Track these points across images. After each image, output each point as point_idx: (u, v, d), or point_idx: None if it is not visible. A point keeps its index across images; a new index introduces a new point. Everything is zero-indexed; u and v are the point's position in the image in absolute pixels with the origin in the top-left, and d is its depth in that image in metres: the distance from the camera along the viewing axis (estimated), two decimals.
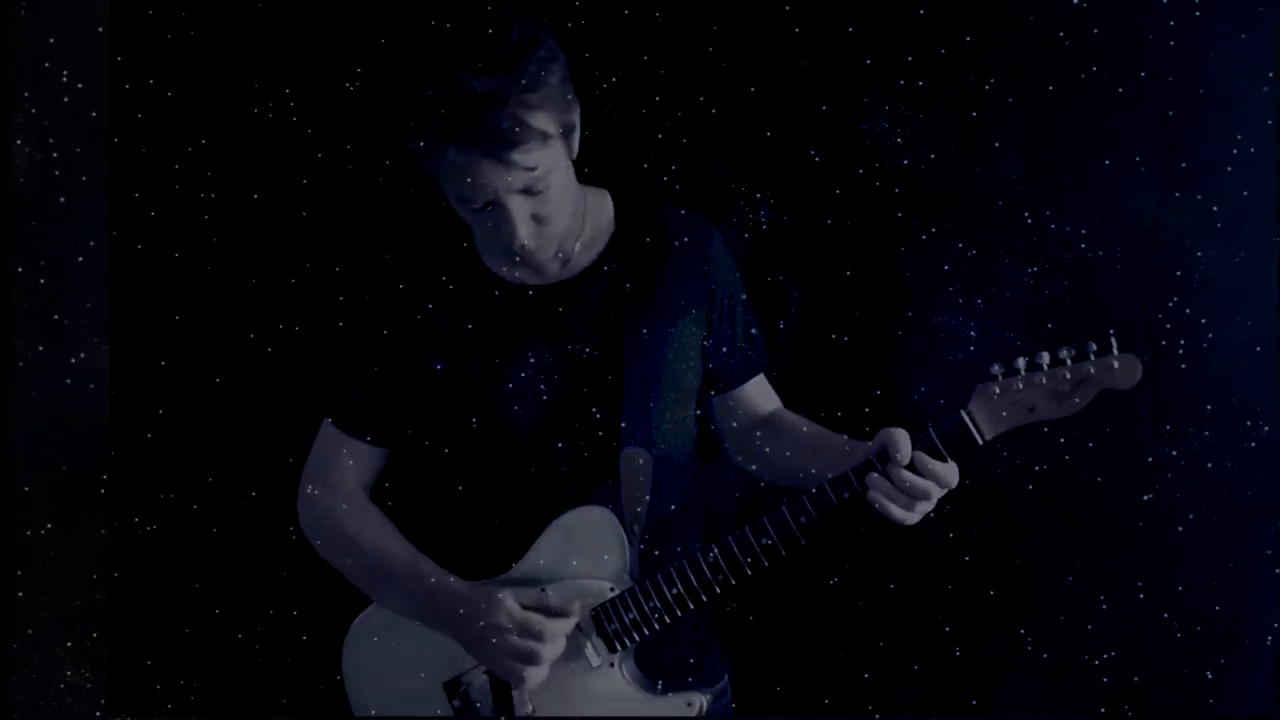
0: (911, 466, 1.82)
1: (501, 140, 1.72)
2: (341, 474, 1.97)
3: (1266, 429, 2.25)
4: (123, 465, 2.21)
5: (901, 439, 1.82)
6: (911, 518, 1.85)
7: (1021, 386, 1.81)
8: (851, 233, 2.30)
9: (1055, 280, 2.26)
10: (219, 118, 2.25)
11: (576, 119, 1.83)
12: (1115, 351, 1.78)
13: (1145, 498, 2.28)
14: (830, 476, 1.85)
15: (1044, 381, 1.80)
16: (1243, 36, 2.23)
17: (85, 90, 2.06)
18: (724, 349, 2.00)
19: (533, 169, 1.76)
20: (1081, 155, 2.26)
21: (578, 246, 1.94)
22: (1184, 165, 2.26)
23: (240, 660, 2.32)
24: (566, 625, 1.88)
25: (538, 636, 1.86)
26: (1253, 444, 2.25)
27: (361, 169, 2.26)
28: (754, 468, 2.07)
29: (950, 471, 1.84)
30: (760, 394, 2.08)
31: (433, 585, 1.91)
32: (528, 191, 1.78)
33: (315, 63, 2.24)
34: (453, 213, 1.88)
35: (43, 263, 2.06)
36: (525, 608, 1.88)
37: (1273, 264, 2.24)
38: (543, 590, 1.90)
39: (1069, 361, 1.79)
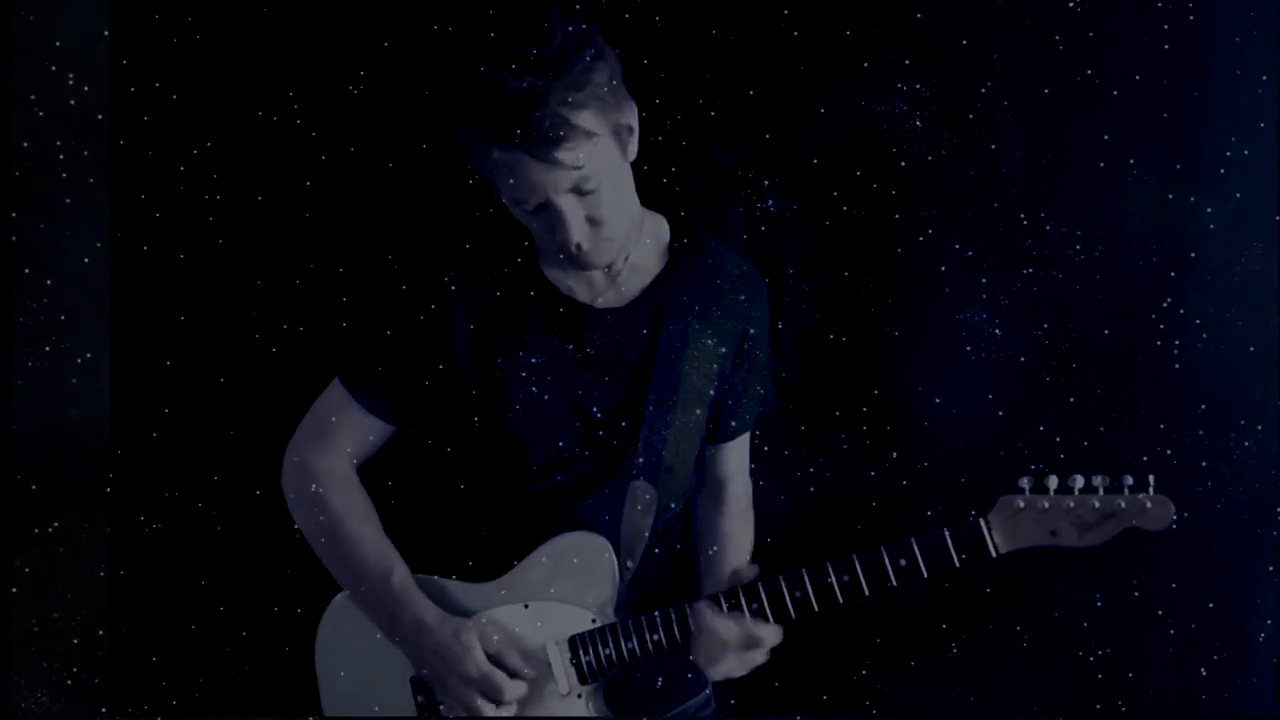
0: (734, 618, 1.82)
1: (543, 139, 1.70)
2: (339, 440, 1.94)
3: (1265, 429, 2.25)
4: (123, 465, 2.21)
5: (748, 573, 1.84)
6: (733, 670, 1.85)
7: (1047, 506, 1.77)
8: (864, 223, 2.27)
9: (1054, 280, 2.25)
10: (222, 119, 2.24)
11: (631, 120, 1.81)
12: (1150, 491, 1.74)
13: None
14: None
15: (1071, 506, 1.77)
16: (1242, 37, 2.22)
17: (87, 91, 2.05)
18: (729, 400, 1.99)
19: (579, 168, 1.74)
20: (1083, 154, 2.26)
21: (625, 265, 1.92)
22: (1185, 165, 2.25)
23: (242, 661, 2.32)
24: (521, 689, 1.87)
25: (495, 697, 1.85)
26: (1251, 444, 2.25)
27: (369, 165, 2.25)
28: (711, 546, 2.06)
29: (773, 633, 1.84)
30: (734, 458, 2.06)
31: (400, 606, 1.89)
32: (578, 191, 1.77)
33: (322, 62, 2.23)
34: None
35: (44, 263, 2.06)
36: (489, 656, 1.87)
37: (1273, 264, 2.24)
38: (526, 607, 1.89)
39: (1101, 491, 1.76)
